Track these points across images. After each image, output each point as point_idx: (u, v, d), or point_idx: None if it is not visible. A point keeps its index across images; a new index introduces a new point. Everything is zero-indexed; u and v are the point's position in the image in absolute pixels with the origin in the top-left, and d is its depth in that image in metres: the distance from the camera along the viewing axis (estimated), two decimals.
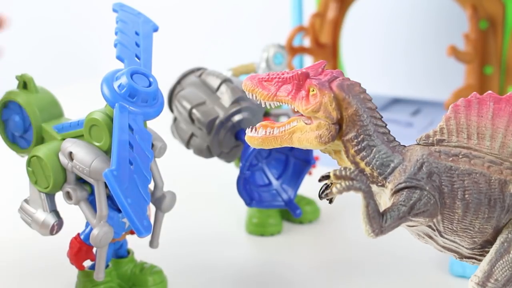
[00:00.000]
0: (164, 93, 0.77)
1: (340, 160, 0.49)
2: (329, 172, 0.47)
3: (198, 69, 0.76)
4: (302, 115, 0.48)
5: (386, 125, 0.50)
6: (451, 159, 0.47)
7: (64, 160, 0.55)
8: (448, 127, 0.49)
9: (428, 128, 1.03)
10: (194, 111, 0.69)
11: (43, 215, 0.58)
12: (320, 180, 0.49)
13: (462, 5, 0.98)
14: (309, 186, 0.83)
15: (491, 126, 0.47)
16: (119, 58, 0.56)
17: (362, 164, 0.48)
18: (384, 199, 0.48)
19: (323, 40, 1.10)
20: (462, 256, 0.49)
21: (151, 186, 0.58)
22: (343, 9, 1.11)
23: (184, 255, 0.73)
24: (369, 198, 0.45)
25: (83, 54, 1.75)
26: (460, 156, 0.47)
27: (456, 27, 1.29)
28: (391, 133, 0.50)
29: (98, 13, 1.73)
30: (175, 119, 0.74)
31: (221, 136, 0.69)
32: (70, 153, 0.55)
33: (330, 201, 0.51)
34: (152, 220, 0.58)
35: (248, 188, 0.68)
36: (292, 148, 0.69)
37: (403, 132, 1.01)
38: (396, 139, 0.50)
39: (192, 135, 0.71)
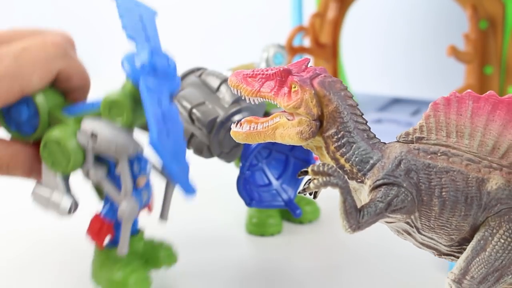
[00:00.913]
0: None
1: (321, 156, 0.50)
2: (307, 168, 0.47)
3: (198, 69, 0.76)
4: (285, 111, 0.49)
5: (366, 122, 0.51)
6: (429, 156, 0.47)
7: (83, 140, 0.57)
8: (427, 125, 0.50)
9: None
10: (194, 111, 0.69)
11: (60, 197, 0.59)
12: (299, 176, 0.50)
13: (462, 5, 0.98)
14: None
15: (470, 124, 0.47)
16: (130, 37, 0.57)
17: (342, 160, 0.48)
18: (364, 195, 0.49)
19: (323, 40, 1.10)
20: (440, 253, 0.49)
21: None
22: (343, 9, 1.11)
23: (184, 255, 0.73)
24: (346, 194, 0.45)
25: (83, 54, 1.75)
26: (439, 154, 0.47)
27: (456, 27, 1.29)
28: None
29: (98, 13, 1.73)
30: None
31: (221, 136, 0.69)
32: (93, 132, 0.56)
33: (314, 195, 0.52)
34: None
35: (248, 188, 0.68)
36: (292, 148, 0.69)
37: None
38: (376, 136, 0.51)
39: (192, 135, 0.71)
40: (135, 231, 0.66)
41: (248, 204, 0.69)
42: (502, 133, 0.46)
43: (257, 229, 0.78)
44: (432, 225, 0.47)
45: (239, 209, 0.83)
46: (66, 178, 0.60)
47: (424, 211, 0.47)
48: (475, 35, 0.96)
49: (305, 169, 0.49)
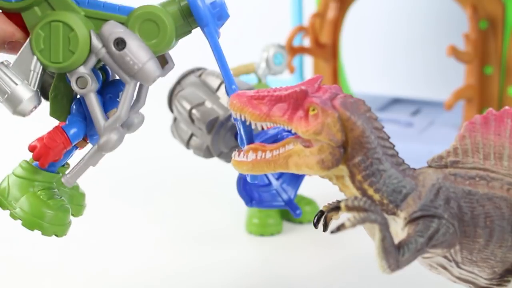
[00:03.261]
0: (164, 93, 0.77)
1: (343, 186, 0.45)
2: (336, 203, 0.44)
3: (198, 69, 0.76)
4: (298, 136, 0.44)
5: (394, 146, 0.46)
6: (468, 182, 0.43)
7: (98, 42, 0.47)
8: (462, 147, 0.45)
9: (428, 128, 1.03)
10: (194, 111, 0.69)
11: (28, 92, 0.48)
12: (316, 223, 0.46)
13: (462, 5, 0.98)
14: (309, 186, 0.83)
15: (509, 145, 0.43)
16: None
17: (371, 191, 0.43)
18: (395, 228, 0.44)
19: (323, 40, 1.10)
20: (477, 287, 0.46)
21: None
22: (343, 9, 1.11)
23: (184, 255, 0.73)
24: (385, 230, 0.41)
25: None
26: (477, 179, 0.43)
27: (456, 27, 1.29)
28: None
29: None
30: (175, 119, 0.74)
31: (221, 136, 0.69)
32: (122, 40, 0.47)
33: (325, 227, 0.49)
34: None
35: (248, 188, 0.68)
36: None
37: (403, 132, 1.01)
38: (405, 162, 0.46)
39: (192, 135, 0.71)
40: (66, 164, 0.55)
41: (248, 204, 0.69)
42: None
43: (257, 229, 0.78)
44: (474, 259, 0.43)
45: (239, 209, 0.83)
46: (42, 74, 0.49)
47: (466, 244, 0.43)
48: (475, 35, 0.96)
49: (334, 205, 0.45)
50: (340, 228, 0.42)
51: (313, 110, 0.43)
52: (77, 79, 0.48)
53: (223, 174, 0.94)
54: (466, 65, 0.98)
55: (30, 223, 0.50)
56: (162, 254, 0.74)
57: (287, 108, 0.44)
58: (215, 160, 0.73)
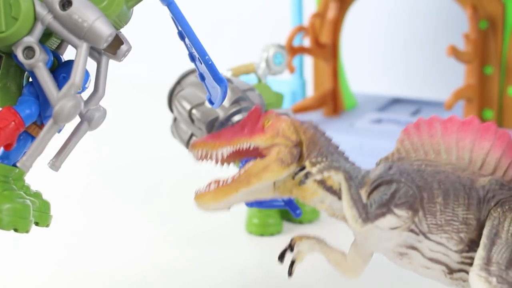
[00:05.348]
0: (164, 93, 0.77)
1: (302, 191, 0.48)
2: (303, 167, 0.47)
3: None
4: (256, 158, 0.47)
5: (344, 153, 0.52)
6: (415, 165, 0.48)
7: (41, 8, 0.44)
8: (404, 148, 0.51)
9: None
10: (194, 111, 0.69)
11: None
12: (280, 258, 0.52)
13: (462, 5, 0.98)
14: None
15: (443, 142, 0.49)
16: None
17: (330, 181, 0.47)
18: None
19: (323, 40, 1.10)
20: (451, 270, 0.47)
21: (88, 92, 0.49)
22: (343, 9, 1.11)
23: (183, 255, 0.73)
24: (350, 180, 0.45)
25: None
26: (424, 165, 0.48)
27: (456, 27, 1.29)
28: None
29: None
30: (175, 119, 0.74)
31: None
32: (67, 0, 0.44)
33: (290, 271, 0.53)
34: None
35: None
36: None
37: None
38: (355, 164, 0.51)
39: (192, 135, 0.71)
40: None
41: (248, 204, 0.69)
42: (473, 149, 0.48)
43: (257, 229, 0.78)
44: (439, 222, 0.46)
45: (239, 209, 0.83)
46: None
47: (428, 207, 0.46)
48: (475, 35, 0.96)
49: (301, 169, 0.47)
50: (307, 175, 0.46)
51: (268, 121, 0.48)
52: (24, 50, 0.44)
53: (223, 174, 0.94)
54: (466, 65, 0.98)
55: None
56: (161, 254, 0.74)
57: (244, 129, 0.48)
58: None
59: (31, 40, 0.44)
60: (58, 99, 0.44)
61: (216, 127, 0.68)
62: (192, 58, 0.52)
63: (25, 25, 0.44)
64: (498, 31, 0.97)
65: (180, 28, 0.50)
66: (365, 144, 0.99)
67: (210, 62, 0.51)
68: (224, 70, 0.79)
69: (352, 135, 1.01)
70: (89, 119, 0.48)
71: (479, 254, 0.45)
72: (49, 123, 0.45)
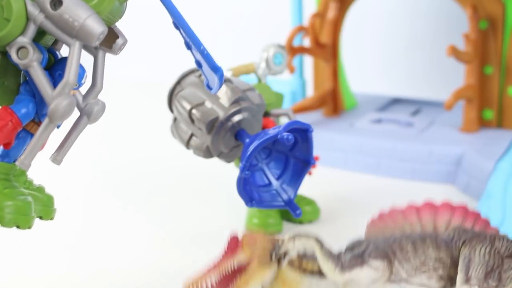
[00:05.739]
0: (164, 93, 0.77)
1: (284, 282, 0.51)
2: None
3: (198, 69, 0.75)
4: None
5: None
6: (383, 238, 0.52)
7: (33, 8, 0.45)
8: (371, 235, 0.53)
9: (428, 128, 1.03)
10: (194, 111, 0.69)
11: None
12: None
13: (462, 5, 0.98)
14: (309, 186, 0.83)
15: (407, 222, 0.52)
16: None
17: (308, 265, 0.50)
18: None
19: (323, 40, 1.10)
20: None
21: (86, 87, 0.49)
22: (343, 9, 1.11)
23: (184, 255, 0.74)
24: (320, 242, 0.49)
25: None
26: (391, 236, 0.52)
27: (456, 27, 1.29)
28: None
29: None
30: (175, 119, 0.74)
31: (221, 136, 0.69)
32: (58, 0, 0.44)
33: None
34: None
35: (248, 188, 0.68)
36: (292, 148, 0.68)
37: (403, 132, 1.01)
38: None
39: (192, 135, 0.71)
40: None
41: (248, 204, 0.69)
42: (436, 220, 0.52)
43: (257, 228, 0.78)
44: (415, 264, 0.49)
45: (239, 209, 0.83)
46: None
47: (401, 256, 0.49)
48: (475, 35, 0.96)
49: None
50: (285, 255, 0.51)
51: (245, 240, 0.51)
52: (17, 50, 0.45)
53: (223, 174, 0.94)
54: (466, 65, 0.98)
55: None
56: (161, 254, 0.74)
57: (226, 254, 0.53)
58: (215, 160, 0.73)
59: (24, 40, 0.44)
60: (53, 98, 0.44)
61: (216, 127, 0.68)
62: (188, 46, 0.52)
63: (18, 26, 0.44)
64: (498, 31, 0.97)
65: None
66: (365, 144, 0.99)
67: (205, 52, 0.51)
68: (224, 70, 0.79)
69: (352, 135, 1.01)
70: (88, 113, 0.49)
71: (459, 277, 0.48)
72: (45, 122, 0.45)
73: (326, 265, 0.49)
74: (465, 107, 0.99)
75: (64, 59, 0.49)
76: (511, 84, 0.98)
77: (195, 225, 0.82)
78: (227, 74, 0.80)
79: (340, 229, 0.79)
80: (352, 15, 1.23)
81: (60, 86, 0.44)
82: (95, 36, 0.44)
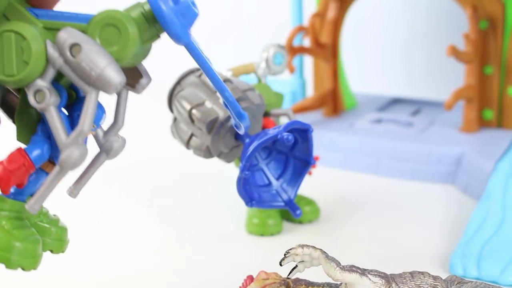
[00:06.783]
0: (164, 93, 0.77)
1: None
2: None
3: (198, 69, 0.75)
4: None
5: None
6: None
7: (54, 51, 0.44)
8: None
9: (428, 128, 1.03)
10: (194, 111, 0.69)
11: None
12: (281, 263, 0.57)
13: (462, 5, 0.98)
14: (309, 186, 0.83)
15: None
16: None
17: None
18: None
19: (323, 40, 1.10)
20: None
21: (108, 123, 0.49)
22: (343, 9, 1.11)
23: (184, 255, 0.74)
24: (325, 252, 0.54)
25: None
26: None
27: (456, 27, 1.29)
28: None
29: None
30: (175, 119, 0.74)
31: (221, 136, 0.69)
32: (75, 45, 0.43)
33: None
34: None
35: (248, 189, 0.68)
36: (292, 148, 0.68)
37: (403, 132, 1.01)
38: None
39: (192, 135, 0.71)
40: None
41: (248, 204, 0.69)
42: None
43: (257, 229, 0.78)
44: (410, 286, 0.53)
45: (239, 209, 0.83)
46: (0, 91, 0.46)
47: (399, 280, 0.53)
48: (475, 35, 0.96)
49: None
50: (285, 254, 0.56)
51: (259, 276, 0.57)
52: (35, 92, 0.44)
53: (223, 174, 0.94)
54: (466, 65, 0.98)
55: None
56: (161, 254, 0.74)
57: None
58: (215, 160, 0.73)
59: (42, 84, 0.44)
60: (65, 146, 0.43)
61: (216, 127, 0.68)
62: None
63: (36, 69, 0.44)
64: (498, 31, 0.97)
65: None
66: (365, 144, 0.99)
67: (230, 99, 0.51)
68: (224, 70, 0.80)
69: (352, 135, 1.01)
70: (107, 149, 0.48)
71: None
72: (55, 170, 0.44)
73: (328, 265, 0.52)
74: (465, 107, 0.99)
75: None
76: (511, 84, 0.98)
77: (194, 225, 0.82)
78: (227, 74, 0.80)
79: (340, 229, 0.79)
80: (352, 15, 1.23)
81: (73, 134, 0.43)
82: (112, 87, 0.43)
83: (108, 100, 0.49)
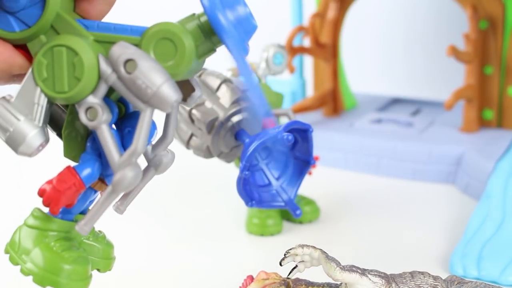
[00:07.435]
0: None
1: None
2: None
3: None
4: None
5: None
6: None
7: (107, 67, 0.41)
8: None
9: (428, 128, 1.03)
10: (194, 111, 0.69)
11: (32, 128, 0.42)
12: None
13: (462, 5, 0.98)
14: (309, 186, 0.83)
15: None
16: None
17: None
18: None
19: (323, 40, 1.10)
20: None
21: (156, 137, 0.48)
22: (343, 9, 1.11)
23: (184, 255, 0.74)
24: (325, 252, 0.54)
25: None
26: None
27: (456, 27, 1.29)
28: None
29: None
30: None
31: (221, 136, 0.69)
32: (130, 60, 0.41)
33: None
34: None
35: (248, 189, 0.68)
36: (292, 148, 0.68)
37: (403, 132, 1.01)
38: None
39: (192, 135, 0.71)
40: (86, 210, 0.49)
41: (248, 204, 0.69)
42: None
43: (257, 229, 0.78)
44: (410, 285, 0.53)
45: (239, 209, 0.83)
46: (48, 108, 0.43)
47: (399, 280, 0.53)
48: (475, 35, 0.96)
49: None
50: (285, 254, 0.56)
51: (259, 275, 0.57)
52: (86, 110, 0.42)
53: (223, 174, 0.94)
54: (466, 65, 0.98)
55: (42, 279, 0.45)
56: (161, 254, 0.74)
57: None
58: (215, 160, 0.73)
59: (94, 101, 0.42)
60: (119, 166, 0.41)
61: (216, 127, 0.68)
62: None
63: (88, 85, 0.42)
64: (498, 31, 0.97)
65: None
66: (365, 144, 0.99)
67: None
68: (224, 70, 0.79)
69: (352, 135, 1.01)
70: (156, 164, 0.47)
71: None
72: (108, 190, 0.43)
73: (328, 265, 0.52)
74: (465, 107, 0.99)
75: (136, 114, 0.46)
76: (511, 84, 0.98)
77: (194, 225, 0.82)
78: (227, 74, 0.80)
79: (340, 229, 0.79)
80: (352, 15, 1.23)
81: (127, 154, 0.41)
82: (168, 105, 0.41)
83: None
